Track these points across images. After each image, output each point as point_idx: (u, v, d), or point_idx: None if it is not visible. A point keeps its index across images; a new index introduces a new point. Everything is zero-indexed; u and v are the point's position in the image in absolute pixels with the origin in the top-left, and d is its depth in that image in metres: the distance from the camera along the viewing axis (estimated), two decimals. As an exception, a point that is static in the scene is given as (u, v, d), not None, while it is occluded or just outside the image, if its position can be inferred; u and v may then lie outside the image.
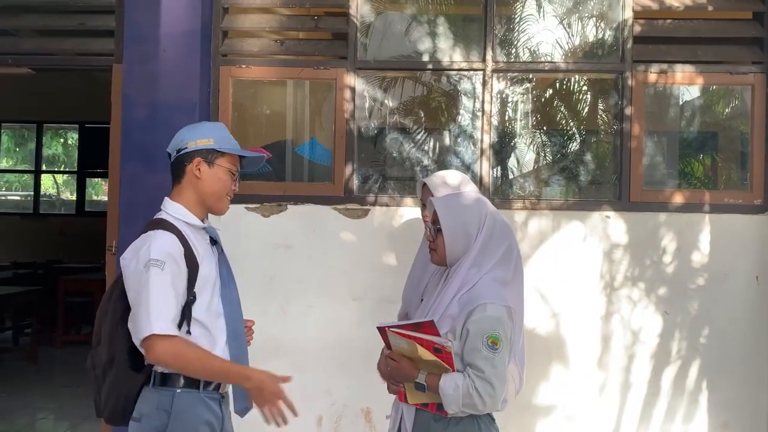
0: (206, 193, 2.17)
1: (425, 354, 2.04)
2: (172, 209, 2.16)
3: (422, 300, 2.58)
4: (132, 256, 2.05)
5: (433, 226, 2.24)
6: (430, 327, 2.01)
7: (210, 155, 2.16)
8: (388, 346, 2.17)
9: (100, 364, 2.12)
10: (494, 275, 2.13)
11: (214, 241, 2.23)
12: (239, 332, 2.22)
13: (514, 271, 2.20)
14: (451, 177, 2.77)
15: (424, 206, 2.77)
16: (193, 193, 2.17)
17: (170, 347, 1.98)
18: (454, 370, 2.04)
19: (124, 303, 2.11)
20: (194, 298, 2.09)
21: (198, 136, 2.17)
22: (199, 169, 2.15)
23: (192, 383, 2.09)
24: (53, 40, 3.75)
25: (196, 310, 2.10)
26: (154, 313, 1.96)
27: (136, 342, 2.01)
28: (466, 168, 4.00)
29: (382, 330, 2.13)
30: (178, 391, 2.07)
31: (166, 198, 2.19)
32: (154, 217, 2.16)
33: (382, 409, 3.42)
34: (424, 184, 2.76)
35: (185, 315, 2.07)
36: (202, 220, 2.21)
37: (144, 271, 1.99)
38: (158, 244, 2.02)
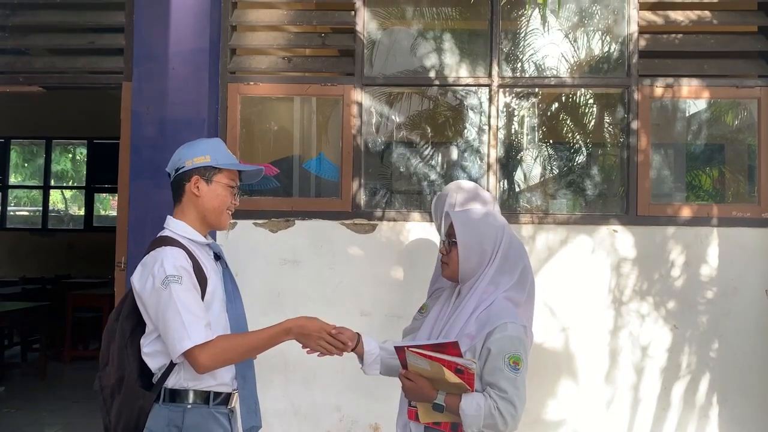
0: (206, 209, 2.19)
1: (449, 376, 2.00)
2: (176, 227, 2.17)
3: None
4: (145, 276, 2.06)
5: (448, 240, 2.22)
6: (453, 348, 1.98)
7: (207, 172, 2.18)
8: (403, 365, 2.13)
9: (108, 385, 2.13)
10: (508, 295, 2.12)
11: (217, 257, 2.25)
12: None
13: (528, 294, 2.18)
14: (466, 183, 2.79)
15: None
16: (193, 210, 2.19)
17: (212, 351, 2.01)
18: (473, 391, 2.02)
19: (132, 322, 2.13)
20: None
21: (195, 154, 2.18)
22: (198, 187, 2.17)
23: (201, 399, 2.09)
24: (64, 59, 3.79)
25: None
26: (189, 326, 1.98)
27: (174, 357, 2.02)
28: (474, 182, 4.01)
29: (400, 350, 2.10)
30: (189, 406, 2.08)
31: (168, 216, 2.22)
32: (159, 235, 2.18)
33: (391, 425, 3.41)
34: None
35: None
36: (205, 237, 2.23)
37: (163, 288, 2.00)
38: (170, 260, 2.04)
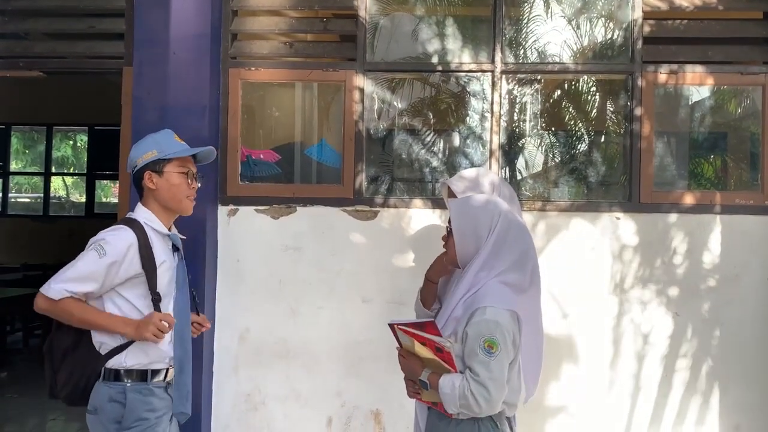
0: (165, 199, 2.40)
1: (426, 352, 2.08)
2: (142, 214, 2.40)
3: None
4: (100, 233, 2.33)
5: (447, 227, 2.26)
6: (431, 327, 2.05)
7: (157, 165, 2.39)
8: (399, 343, 2.23)
9: (61, 347, 2.32)
10: (504, 279, 2.11)
11: (176, 248, 2.45)
12: (185, 336, 2.46)
13: (531, 278, 2.18)
14: (468, 171, 2.79)
15: None
16: (154, 202, 2.41)
17: (51, 308, 2.24)
18: (456, 371, 2.05)
19: None
20: (159, 297, 2.35)
21: (143, 152, 2.40)
22: (152, 181, 2.39)
23: (140, 378, 2.32)
24: (64, 43, 3.76)
25: (163, 308, 2.37)
26: (58, 279, 2.24)
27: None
28: (475, 169, 4.00)
29: (392, 327, 2.19)
30: (129, 385, 2.30)
31: (138, 203, 2.44)
32: (128, 216, 2.42)
33: (392, 411, 3.44)
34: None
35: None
36: (169, 228, 2.45)
37: (88, 247, 2.27)
38: (116, 239, 2.28)
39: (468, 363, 2.03)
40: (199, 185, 2.49)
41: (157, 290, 2.34)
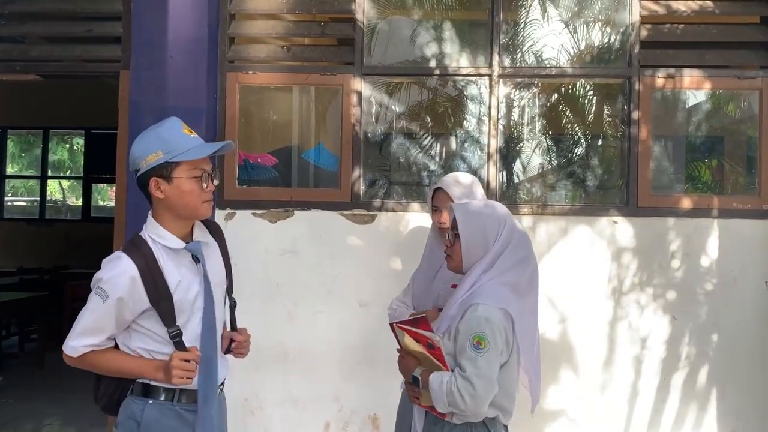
0: (177, 207, 2.01)
1: (422, 349, 2.08)
2: (153, 230, 2.03)
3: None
4: (101, 268, 2.01)
5: (451, 232, 2.22)
6: (424, 322, 2.06)
7: (164, 170, 1.97)
8: (399, 342, 2.23)
9: None
10: (503, 279, 2.11)
11: (197, 259, 2.06)
12: (212, 362, 2.08)
13: (529, 282, 2.17)
14: (463, 176, 2.79)
15: (435, 210, 2.77)
16: (165, 211, 2.02)
17: (77, 363, 2.05)
18: (447, 369, 2.04)
19: None
20: (180, 330, 2.01)
21: (146, 153, 1.97)
22: (160, 189, 1.98)
23: (167, 396, 2.04)
24: (61, 47, 3.75)
25: (186, 340, 2.03)
26: (73, 334, 2.02)
27: None
28: (473, 173, 3.99)
29: (392, 326, 2.20)
30: (151, 402, 2.03)
31: (149, 215, 2.07)
32: (137, 234, 2.06)
33: (390, 415, 3.42)
34: (437, 189, 2.76)
35: (179, 347, 2.01)
36: (189, 234, 2.09)
37: (93, 290, 1.98)
38: (115, 276, 1.95)
39: (458, 360, 2.02)
40: (216, 183, 2.08)
41: (177, 323, 2.00)
